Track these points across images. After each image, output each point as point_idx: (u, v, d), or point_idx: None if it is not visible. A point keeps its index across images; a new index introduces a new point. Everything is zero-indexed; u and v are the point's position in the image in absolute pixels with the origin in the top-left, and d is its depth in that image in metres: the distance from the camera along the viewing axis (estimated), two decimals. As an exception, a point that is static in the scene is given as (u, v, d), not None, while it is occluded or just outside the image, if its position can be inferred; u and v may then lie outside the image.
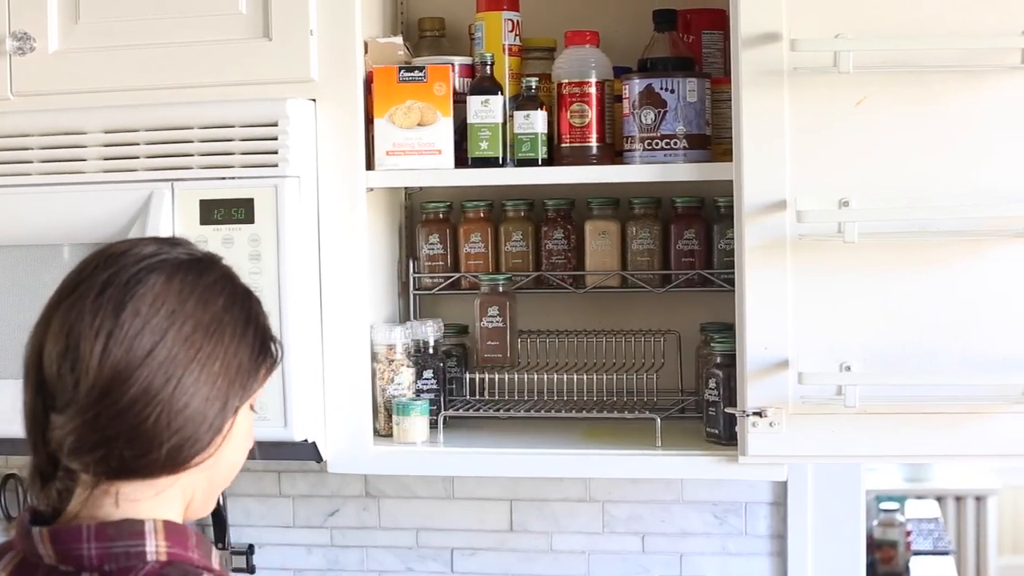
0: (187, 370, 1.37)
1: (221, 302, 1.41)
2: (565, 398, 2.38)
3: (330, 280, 2.23)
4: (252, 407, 1.48)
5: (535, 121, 2.24)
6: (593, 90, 2.25)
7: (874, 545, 4.75)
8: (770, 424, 2.07)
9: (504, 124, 2.26)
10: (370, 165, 2.25)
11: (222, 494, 2.60)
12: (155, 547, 1.37)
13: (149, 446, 1.36)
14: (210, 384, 1.38)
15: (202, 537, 1.44)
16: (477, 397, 2.39)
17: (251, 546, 2.68)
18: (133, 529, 1.37)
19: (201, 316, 1.39)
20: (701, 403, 2.27)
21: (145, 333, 1.36)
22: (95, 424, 1.35)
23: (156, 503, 1.40)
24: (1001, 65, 2.01)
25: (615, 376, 2.37)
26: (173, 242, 1.46)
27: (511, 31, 2.33)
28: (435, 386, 2.36)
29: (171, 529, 1.39)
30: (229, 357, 1.40)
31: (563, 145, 2.27)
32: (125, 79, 2.26)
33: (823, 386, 2.05)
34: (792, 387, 2.06)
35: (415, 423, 2.27)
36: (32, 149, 2.26)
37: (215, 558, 1.45)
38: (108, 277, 1.38)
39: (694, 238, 2.37)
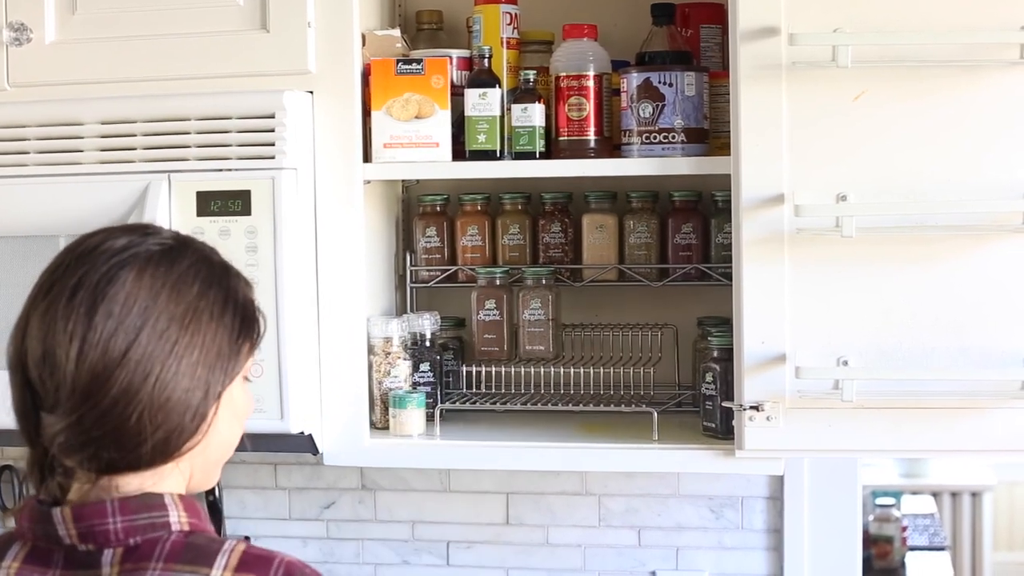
0: (164, 365, 1.37)
1: (196, 289, 1.41)
2: (562, 391, 2.38)
3: (327, 272, 2.23)
4: (246, 377, 1.49)
5: (533, 114, 2.23)
6: (591, 83, 2.24)
7: (870, 540, 4.76)
8: (767, 418, 2.07)
9: (502, 117, 2.25)
10: (367, 158, 2.25)
11: (219, 486, 2.60)
12: (178, 517, 1.40)
13: (134, 443, 1.38)
14: (189, 375, 1.39)
15: (207, 512, 1.47)
16: (474, 390, 2.39)
17: (247, 538, 2.68)
18: (154, 502, 1.40)
19: (175, 309, 1.38)
20: (698, 397, 2.27)
21: (119, 334, 1.36)
22: (80, 426, 1.37)
23: (158, 485, 1.42)
24: (1000, 60, 2.01)
25: (612, 370, 2.37)
26: (145, 231, 1.44)
27: (509, 24, 2.33)
28: (432, 379, 2.36)
29: (186, 502, 1.43)
30: (207, 345, 1.40)
31: (561, 138, 2.26)
32: (122, 70, 2.26)
33: (820, 380, 2.05)
34: (789, 381, 2.06)
35: (411, 416, 2.27)
36: (29, 140, 2.25)
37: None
38: (79, 278, 1.38)
39: (691, 232, 2.37)
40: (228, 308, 1.43)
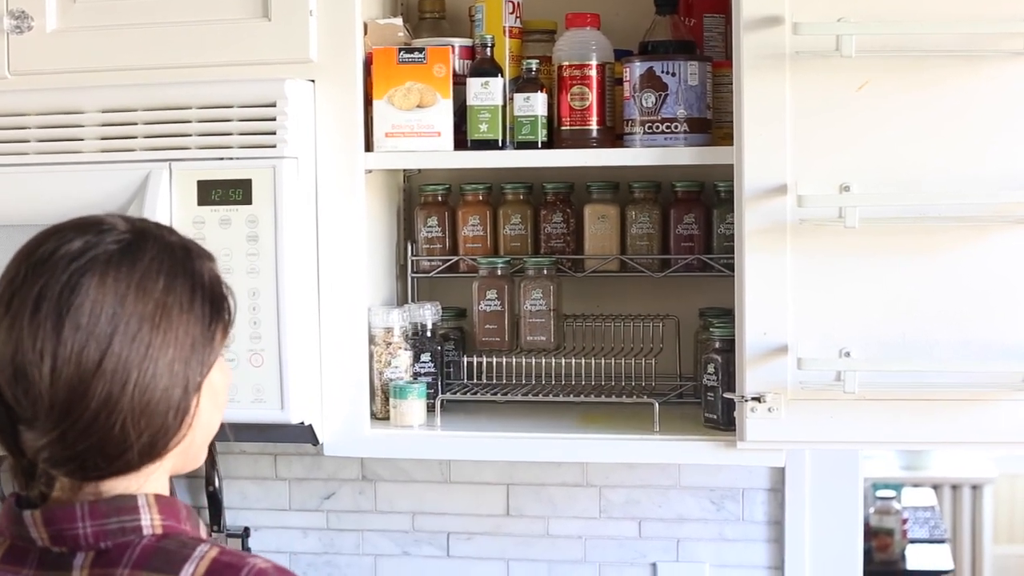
0: (141, 369, 1.34)
1: (161, 283, 1.37)
2: (563, 382, 2.38)
3: (328, 262, 2.22)
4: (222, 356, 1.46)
5: (535, 104, 2.23)
6: (594, 73, 2.24)
7: (870, 533, 4.76)
8: (769, 409, 2.07)
9: (504, 106, 2.25)
10: (369, 147, 2.24)
11: (219, 476, 2.60)
12: (150, 521, 1.38)
13: (120, 450, 1.35)
14: (168, 373, 1.36)
15: (191, 510, 1.44)
16: (475, 381, 2.38)
17: (247, 529, 2.68)
18: (126, 504, 1.37)
19: (143, 309, 1.35)
20: (699, 388, 2.27)
21: (90, 344, 1.32)
22: (63, 441, 1.34)
23: (142, 484, 1.40)
24: (1004, 50, 2.00)
25: (613, 360, 2.36)
26: (99, 228, 1.39)
27: (512, 13, 2.32)
28: (432, 369, 2.36)
29: (163, 503, 1.40)
30: (181, 339, 1.37)
31: (563, 128, 2.26)
32: (123, 58, 2.25)
33: (822, 372, 2.04)
34: (791, 373, 2.06)
35: (412, 406, 2.27)
36: (29, 128, 2.24)
37: (203, 530, 1.44)
38: (40, 289, 1.33)
39: (694, 222, 2.36)
40: (196, 296, 1.40)
